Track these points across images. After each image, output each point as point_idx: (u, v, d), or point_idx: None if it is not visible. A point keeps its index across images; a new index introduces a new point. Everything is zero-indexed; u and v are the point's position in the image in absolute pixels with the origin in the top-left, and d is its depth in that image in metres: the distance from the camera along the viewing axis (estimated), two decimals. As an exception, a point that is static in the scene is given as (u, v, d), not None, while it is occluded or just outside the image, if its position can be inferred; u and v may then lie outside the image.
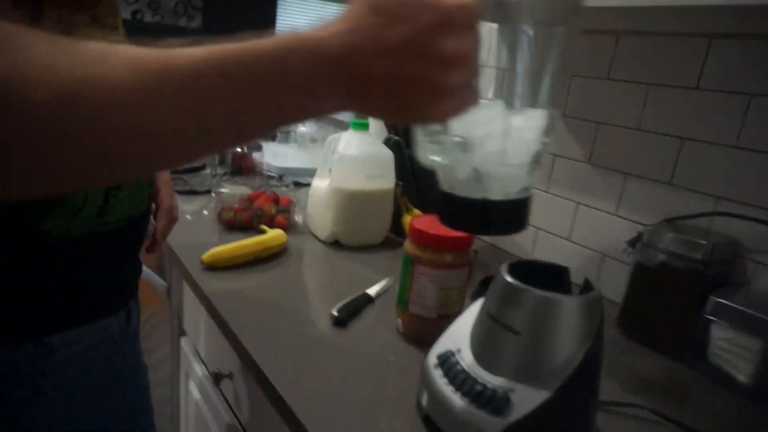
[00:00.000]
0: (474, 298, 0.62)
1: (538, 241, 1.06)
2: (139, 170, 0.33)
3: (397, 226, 1.09)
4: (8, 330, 0.48)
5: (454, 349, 0.55)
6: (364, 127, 1.04)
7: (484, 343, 0.53)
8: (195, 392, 0.98)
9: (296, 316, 0.76)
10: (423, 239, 0.68)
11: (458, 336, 0.56)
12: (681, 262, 0.74)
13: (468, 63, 0.36)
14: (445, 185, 0.47)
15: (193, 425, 1.03)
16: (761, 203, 0.74)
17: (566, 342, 0.49)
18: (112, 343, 0.57)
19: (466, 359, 0.53)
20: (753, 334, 0.66)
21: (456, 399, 0.51)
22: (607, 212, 0.93)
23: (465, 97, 0.37)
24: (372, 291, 0.84)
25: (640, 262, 0.79)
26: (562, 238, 1.01)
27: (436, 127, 0.43)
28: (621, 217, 0.91)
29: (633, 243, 0.82)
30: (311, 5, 3.28)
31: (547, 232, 1.04)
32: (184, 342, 1.03)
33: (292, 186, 1.38)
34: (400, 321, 0.73)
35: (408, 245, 0.70)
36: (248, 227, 1.03)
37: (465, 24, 0.35)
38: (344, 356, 0.67)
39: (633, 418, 0.61)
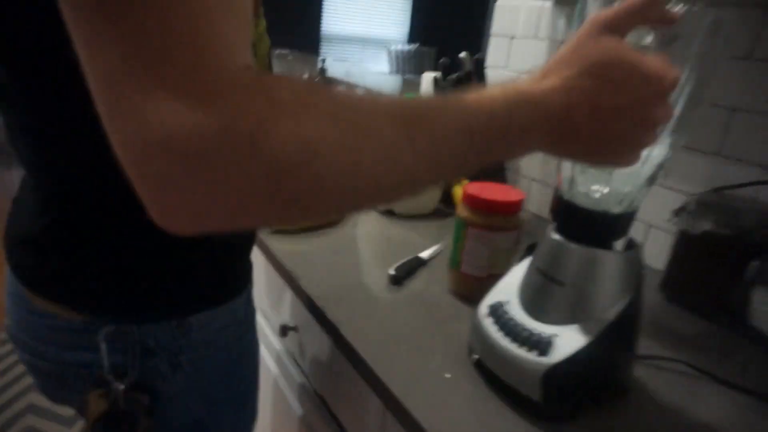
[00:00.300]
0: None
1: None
2: (370, 209, 0.38)
3: (446, 197, 1.15)
4: (157, 309, 0.54)
5: (503, 301, 0.61)
6: (417, 101, 1.09)
7: (531, 294, 0.59)
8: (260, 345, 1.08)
9: (355, 274, 0.83)
10: (476, 203, 0.73)
11: (507, 290, 0.62)
12: (725, 230, 0.77)
13: (666, 123, 0.41)
14: (567, 195, 0.56)
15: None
16: (809, 173, 0.76)
17: (608, 294, 0.54)
18: (238, 323, 0.62)
19: (515, 309, 0.59)
20: (793, 297, 0.69)
21: (505, 343, 0.56)
22: (653, 183, 0.96)
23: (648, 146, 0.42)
24: (424, 255, 0.90)
25: (684, 230, 0.82)
26: (608, 208, 1.04)
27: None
28: (667, 188, 0.94)
29: (678, 212, 0.85)
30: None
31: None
32: (250, 300, 1.13)
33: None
34: (452, 280, 0.79)
35: (461, 209, 0.75)
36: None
37: (670, 93, 0.39)
38: (401, 310, 0.74)
39: (669, 371, 0.66)
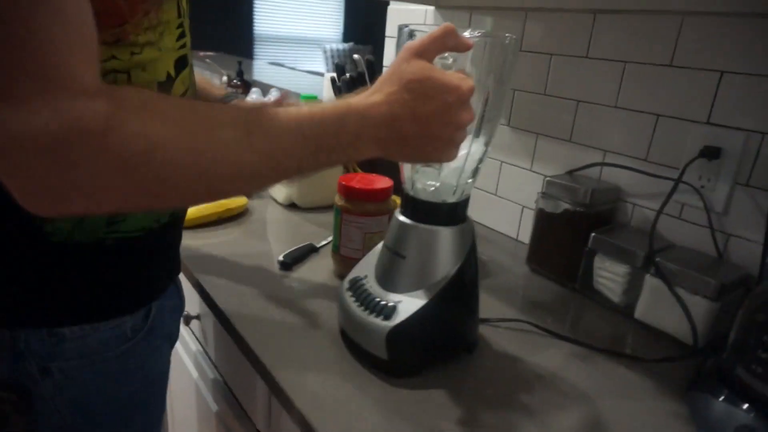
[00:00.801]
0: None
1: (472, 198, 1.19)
2: (218, 199, 0.46)
3: (348, 189, 1.22)
4: (27, 316, 0.53)
5: (362, 276, 0.68)
6: (314, 99, 1.16)
7: (383, 269, 0.67)
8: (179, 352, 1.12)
9: (250, 264, 0.89)
10: (349, 192, 0.81)
11: (366, 267, 0.70)
12: (571, 206, 0.88)
13: (470, 124, 0.51)
14: (411, 192, 0.64)
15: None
16: (638, 155, 0.88)
17: (442, 262, 0.63)
18: (124, 339, 0.59)
19: (370, 282, 0.67)
20: (622, 261, 0.81)
21: (359, 312, 0.64)
22: (524, 168, 1.07)
23: (461, 143, 0.52)
24: (318, 243, 0.97)
25: (542, 209, 0.93)
26: (490, 193, 1.14)
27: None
28: (534, 171, 1.05)
29: (541, 194, 0.96)
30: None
31: (478, 189, 1.17)
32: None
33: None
34: (335, 262, 0.86)
35: (338, 199, 0.83)
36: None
37: (469, 99, 0.49)
38: (287, 293, 0.80)
39: (515, 330, 0.76)
